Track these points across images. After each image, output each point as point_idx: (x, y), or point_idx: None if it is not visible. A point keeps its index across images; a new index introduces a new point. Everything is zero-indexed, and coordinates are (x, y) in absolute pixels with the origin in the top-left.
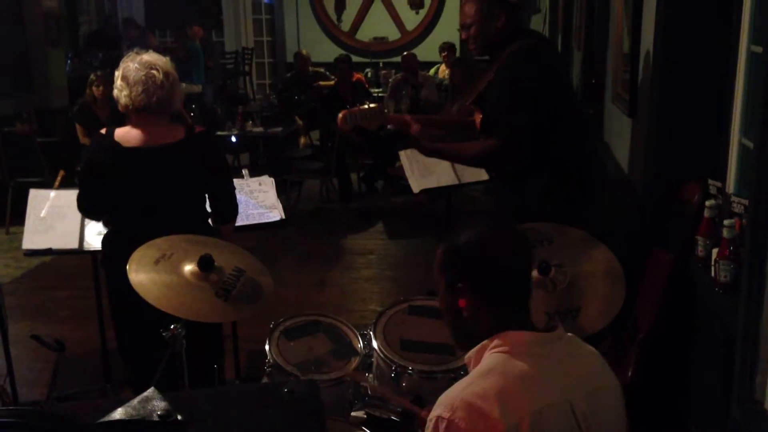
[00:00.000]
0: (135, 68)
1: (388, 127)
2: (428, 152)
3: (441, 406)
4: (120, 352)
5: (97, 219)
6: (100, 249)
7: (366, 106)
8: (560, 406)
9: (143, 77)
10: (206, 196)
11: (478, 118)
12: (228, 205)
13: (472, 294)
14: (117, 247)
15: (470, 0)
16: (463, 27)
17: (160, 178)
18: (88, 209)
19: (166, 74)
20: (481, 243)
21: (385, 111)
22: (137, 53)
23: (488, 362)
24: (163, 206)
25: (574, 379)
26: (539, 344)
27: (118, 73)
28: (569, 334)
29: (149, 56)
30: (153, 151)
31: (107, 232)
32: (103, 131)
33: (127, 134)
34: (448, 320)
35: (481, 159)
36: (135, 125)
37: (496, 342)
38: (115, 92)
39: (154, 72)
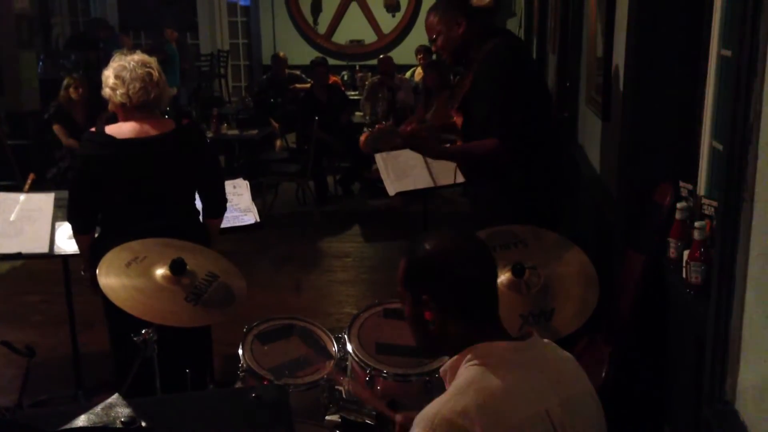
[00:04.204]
0: (132, 67)
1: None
2: (437, 156)
3: (421, 425)
4: (115, 359)
5: (91, 227)
6: (92, 252)
7: (383, 125)
8: (538, 415)
9: (141, 75)
10: (196, 191)
11: (458, 121)
12: (218, 198)
13: (438, 305)
14: (111, 248)
15: (432, 13)
16: (431, 41)
17: (156, 167)
18: (82, 216)
19: (159, 72)
20: (443, 252)
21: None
22: (126, 54)
23: (465, 376)
24: (157, 197)
25: (549, 386)
26: (514, 353)
27: (108, 73)
28: (545, 340)
29: (140, 56)
30: (147, 141)
31: (98, 235)
32: (93, 130)
33: (119, 128)
34: (415, 332)
35: (485, 159)
36: (127, 120)
37: (470, 355)
38: (107, 91)
39: (150, 70)
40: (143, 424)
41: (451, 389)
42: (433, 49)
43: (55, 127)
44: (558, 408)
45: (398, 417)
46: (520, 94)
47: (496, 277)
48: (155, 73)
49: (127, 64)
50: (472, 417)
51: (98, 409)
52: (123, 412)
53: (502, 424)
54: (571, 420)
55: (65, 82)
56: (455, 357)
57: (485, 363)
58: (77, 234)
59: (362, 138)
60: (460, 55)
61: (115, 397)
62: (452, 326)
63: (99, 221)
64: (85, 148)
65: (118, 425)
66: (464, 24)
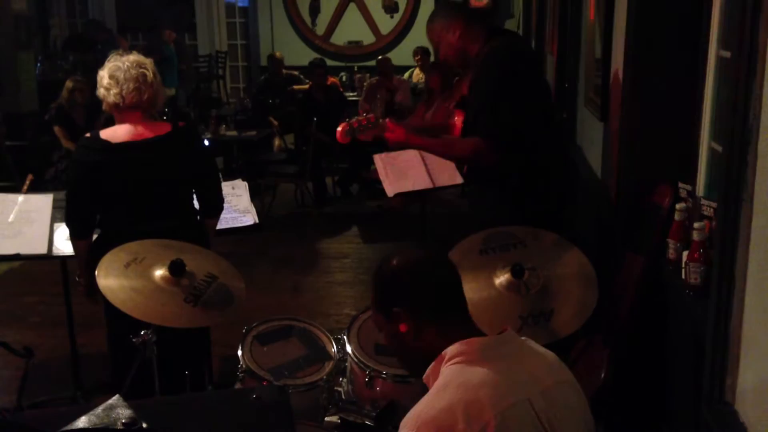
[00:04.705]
0: (126, 67)
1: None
2: (419, 146)
3: (406, 427)
4: (112, 360)
5: (89, 231)
6: (91, 254)
7: (363, 117)
8: (521, 405)
9: (135, 75)
10: (193, 190)
11: (459, 120)
12: (215, 198)
13: (410, 315)
14: (109, 250)
15: (428, 23)
16: (436, 49)
17: (152, 170)
18: (79, 220)
19: (153, 73)
20: (405, 263)
21: (380, 121)
22: (121, 54)
23: (445, 375)
24: (155, 200)
25: (529, 377)
26: (491, 348)
27: (103, 73)
28: (522, 337)
29: (135, 57)
30: (143, 143)
31: (97, 237)
32: (87, 135)
33: (114, 132)
34: (396, 351)
35: (464, 155)
36: (122, 123)
37: (449, 354)
38: (101, 92)
39: (144, 71)
40: (144, 425)
41: (433, 389)
42: (440, 57)
43: (56, 129)
44: (539, 397)
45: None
46: (515, 97)
47: (459, 279)
48: (149, 74)
49: (121, 65)
50: (456, 412)
51: (99, 410)
52: (124, 413)
53: (484, 414)
54: (554, 408)
55: (69, 84)
56: (435, 360)
57: (464, 360)
58: (75, 239)
59: (339, 130)
60: (463, 59)
61: (115, 399)
62: (427, 332)
63: (97, 224)
64: (80, 153)
65: (119, 426)
66: (459, 30)
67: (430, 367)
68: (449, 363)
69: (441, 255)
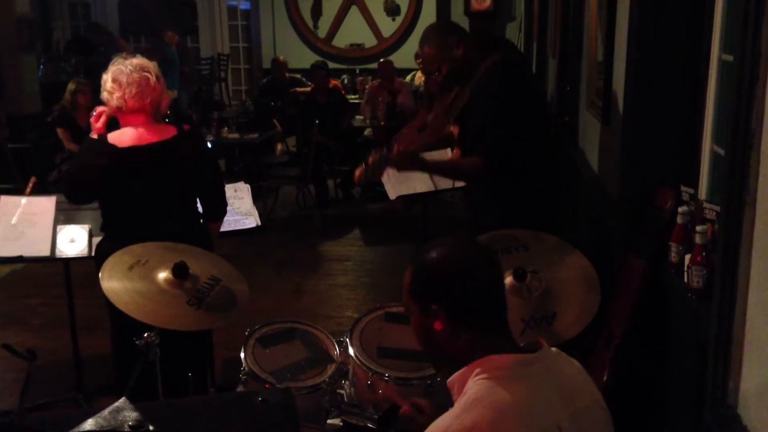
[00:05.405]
0: (128, 71)
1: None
2: (427, 170)
3: None
4: (115, 362)
5: (87, 202)
6: (95, 256)
7: (375, 156)
8: (550, 430)
9: (137, 79)
10: (197, 194)
11: (455, 131)
12: (218, 201)
13: (448, 316)
14: (113, 252)
15: (426, 45)
16: (432, 72)
17: (159, 173)
18: (77, 197)
19: (157, 77)
20: (453, 260)
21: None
22: (125, 58)
23: (474, 391)
24: (159, 203)
25: (560, 400)
26: (523, 367)
27: (106, 77)
28: (553, 349)
29: (139, 60)
30: (150, 148)
31: (102, 239)
32: (95, 137)
33: (121, 136)
34: (424, 344)
35: (469, 175)
36: (126, 125)
37: (481, 367)
38: (105, 95)
39: (147, 74)
40: (151, 428)
41: (461, 403)
42: (438, 79)
43: (59, 132)
44: (569, 422)
45: (404, 406)
46: (513, 114)
47: (504, 286)
48: (152, 78)
49: (124, 68)
50: None
51: (106, 412)
52: (131, 415)
53: None
54: None
55: (72, 86)
56: (463, 369)
57: (494, 377)
58: None
59: (357, 173)
60: (466, 74)
61: (122, 401)
62: (462, 336)
63: (101, 226)
64: (86, 156)
65: (126, 429)
66: (462, 45)
67: (458, 374)
68: (479, 377)
69: (488, 254)
